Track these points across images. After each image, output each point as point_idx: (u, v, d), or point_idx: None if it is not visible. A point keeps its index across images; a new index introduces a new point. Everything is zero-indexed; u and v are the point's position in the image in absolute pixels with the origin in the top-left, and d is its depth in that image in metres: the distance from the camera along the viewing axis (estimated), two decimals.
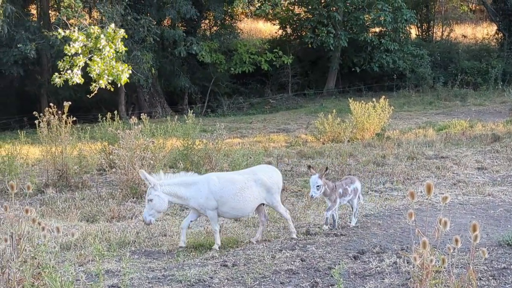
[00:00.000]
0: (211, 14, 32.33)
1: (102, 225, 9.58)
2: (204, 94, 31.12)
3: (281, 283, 6.95)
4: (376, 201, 11.00)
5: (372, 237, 8.68)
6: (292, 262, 7.60)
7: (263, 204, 8.66)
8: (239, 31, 33.39)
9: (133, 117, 13.14)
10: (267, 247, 8.29)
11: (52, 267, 5.27)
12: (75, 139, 13.76)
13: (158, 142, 12.88)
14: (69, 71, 16.78)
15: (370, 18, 32.09)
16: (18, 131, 15.24)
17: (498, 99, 27.66)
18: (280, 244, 8.46)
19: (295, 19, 34.23)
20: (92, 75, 16.98)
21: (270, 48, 31.87)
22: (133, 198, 11.54)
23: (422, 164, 13.96)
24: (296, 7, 34.35)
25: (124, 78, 16.76)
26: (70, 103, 13.23)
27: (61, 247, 7.98)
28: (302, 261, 7.65)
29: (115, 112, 15.25)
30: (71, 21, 19.02)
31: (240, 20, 35.78)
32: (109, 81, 17.08)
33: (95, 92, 17.49)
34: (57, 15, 26.85)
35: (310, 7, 32.61)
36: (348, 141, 16.70)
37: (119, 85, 18.41)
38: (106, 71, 16.46)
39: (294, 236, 8.69)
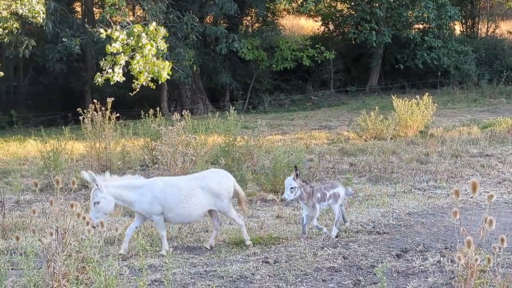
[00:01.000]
0: (253, 10, 32.35)
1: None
2: (246, 90, 31.16)
3: (323, 280, 6.92)
4: (420, 199, 10.87)
5: (415, 236, 8.58)
6: (334, 260, 7.56)
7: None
8: (281, 27, 33.32)
9: (175, 113, 13.20)
10: (309, 244, 8.26)
11: (96, 261, 5.33)
12: (119, 135, 13.92)
13: (199, 139, 12.92)
14: (110, 70, 16.99)
15: (413, 15, 31.70)
16: (63, 127, 15.46)
17: None
18: (321, 241, 8.42)
19: (337, 15, 34.05)
20: (133, 73, 17.16)
21: (312, 44, 31.72)
22: None
23: (466, 162, 13.76)
24: (338, 3, 34.16)
25: (165, 75, 16.89)
26: (113, 99, 13.39)
27: (105, 241, 8.07)
28: (344, 258, 7.61)
29: (158, 108, 15.38)
30: (115, 18, 19.25)
31: (282, 17, 35.69)
32: (149, 78, 17.24)
33: (138, 89, 17.67)
34: (101, 12, 27.19)
35: (352, 3, 32.40)
36: (391, 138, 16.56)
37: (160, 82, 18.55)
38: (147, 69, 16.61)
39: (248, 243, 8.27)
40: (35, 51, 24.85)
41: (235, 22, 31.62)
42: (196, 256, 7.94)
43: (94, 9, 29.90)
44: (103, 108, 13.32)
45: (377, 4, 31.16)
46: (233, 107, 15.50)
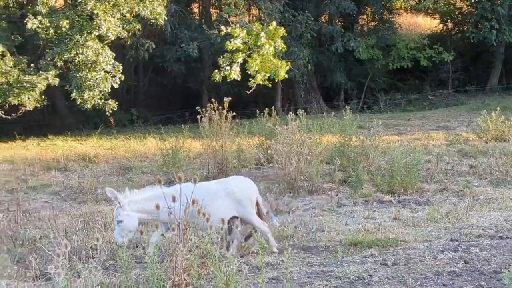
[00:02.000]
0: (369, 9, 31.98)
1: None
2: (360, 90, 30.84)
3: (443, 284, 6.73)
4: None
5: None
6: (455, 264, 7.34)
7: (237, 218, 7.89)
8: (397, 26, 32.74)
9: (290, 112, 13.25)
10: (428, 248, 8.06)
11: (217, 257, 5.42)
12: (234, 133, 14.10)
13: (314, 138, 12.91)
14: (228, 67, 17.26)
15: None
16: (181, 125, 15.86)
17: None
18: (441, 245, 8.19)
19: (456, 13, 33.08)
20: (250, 72, 17.36)
21: (430, 43, 30.98)
22: (290, 193, 11.64)
23: None
24: (458, 1, 33.16)
25: (282, 74, 17.00)
26: (230, 98, 13.59)
27: (223, 238, 8.17)
28: (465, 263, 7.37)
29: (272, 107, 15.49)
30: (232, 18, 19.57)
31: (399, 15, 35.05)
32: (266, 77, 17.38)
33: (253, 88, 17.90)
34: (217, 13, 27.72)
35: (472, 1, 31.32)
36: None
37: (276, 81, 18.71)
38: (264, 68, 16.79)
39: (275, 250, 7.99)
40: (154, 53, 25.65)
41: (351, 21, 31.38)
42: (313, 256, 7.92)
43: (211, 10, 30.51)
44: (220, 107, 13.55)
45: (498, 2, 29.98)
46: (349, 107, 15.38)
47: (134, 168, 14.61)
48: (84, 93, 19.66)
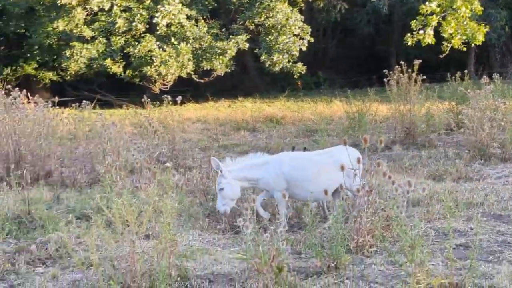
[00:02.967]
0: None
1: (448, 185, 9.42)
2: None
3: None
4: None
5: None
6: None
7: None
8: None
9: (484, 76, 12.64)
10: None
11: (402, 220, 5.33)
12: (423, 98, 13.73)
13: (510, 104, 12.23)
14: (421, 31, 16.76)
15: None
16: (368, 88, 15.71)
17: None
18: None
19: None
20: (444, 35, 16.74)
21: None
22: (481, 160, 11.17)
23: None
24: None
25: (480, 38, 16.24)
26: (420, 61, 13.22)
27: (410, 202, 8.03)
28: None
29: (464, 71, 14.90)
30: None
31: None
32: (462, 41, 16.70)
33: (447, 52, 17.26)
34: None
35: None
36: None
37: (472, 45, 17.91)
38: (459, 31, 16.10)
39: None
40: (344, 14, 25.52)
41: None
42: (504, 225, 7.53)
43: None
44: (409, 70, 13.23)
45: None
46: None
47: (319, 131, 14.75)
48: (273, 56, 20.08)
